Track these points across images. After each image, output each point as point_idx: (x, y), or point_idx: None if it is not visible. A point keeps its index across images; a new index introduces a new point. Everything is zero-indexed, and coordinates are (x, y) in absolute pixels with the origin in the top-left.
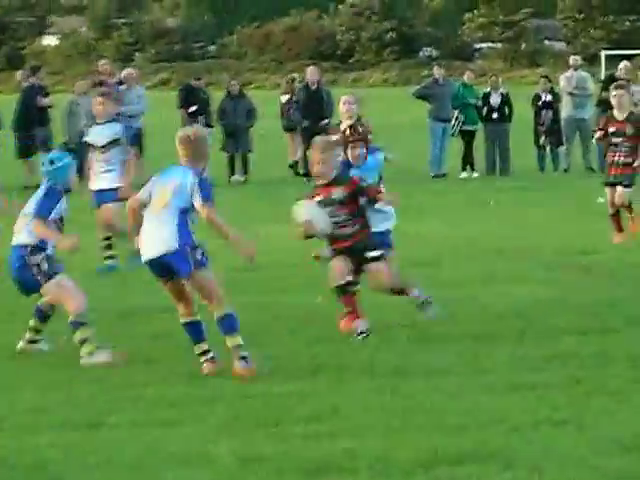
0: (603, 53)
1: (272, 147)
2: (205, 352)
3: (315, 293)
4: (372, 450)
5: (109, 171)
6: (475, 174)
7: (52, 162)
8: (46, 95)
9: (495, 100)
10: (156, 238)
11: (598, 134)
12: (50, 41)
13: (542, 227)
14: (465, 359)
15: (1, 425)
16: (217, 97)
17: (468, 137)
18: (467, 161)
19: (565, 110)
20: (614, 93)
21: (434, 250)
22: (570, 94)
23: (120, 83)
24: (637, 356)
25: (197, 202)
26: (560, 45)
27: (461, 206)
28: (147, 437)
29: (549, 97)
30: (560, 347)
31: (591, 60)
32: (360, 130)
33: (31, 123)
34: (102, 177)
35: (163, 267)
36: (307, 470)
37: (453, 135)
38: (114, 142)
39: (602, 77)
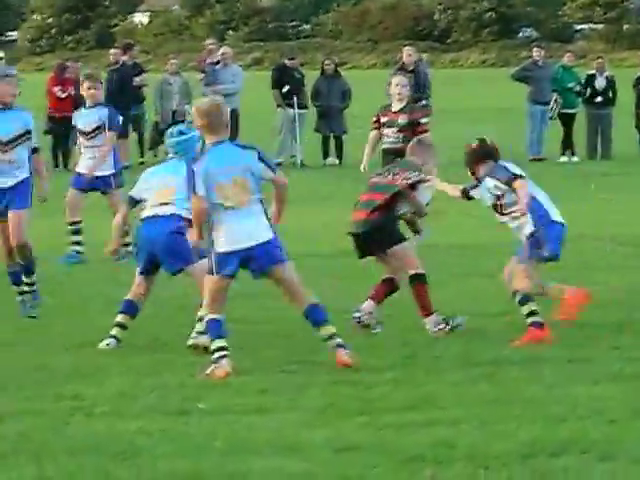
0: None
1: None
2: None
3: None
4: (468, 440)
5: (94, 158)
6: (575, 158)
7: (182, 133)
8: (140, 73)
9: (600, 83)
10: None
11: None
12: (141, 19)
13: None
14: (564, 348)
15: (91, 410)
16: (311, 77)
17: (568, 120)
18: (567, 145)
19: None
20: None
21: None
22: None
23: (216, 63)
24: None
25: (270, 175)
26: None
27: (560, 190)
28: (237, 424)
29: None
30: None
31: None
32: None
33: (126, 102)
34: (87, 162)
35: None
36: (402, 460)
37: (552, 118)
38: (99, 128)
39: None
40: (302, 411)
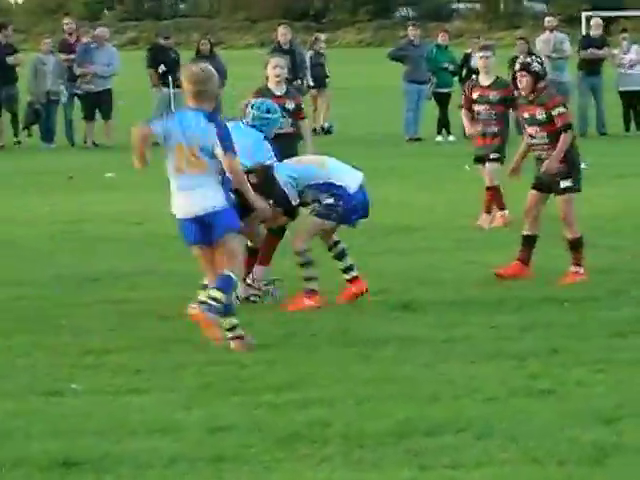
0: (583, 14)
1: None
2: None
3: (284, 256)
4: (344, 420)
5: None
6: (451, 138)
7: (269, 111)
8: (13, 53)
9: (476, 62)
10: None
11: None
12: None
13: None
14: (439, 328)
15: None
16: (187, 57)
17: (442, 100)
18: (442, 125)
19: None
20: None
21: (411, 215)
22: (548, 57)
23: (90, 42)
24: (615, 324)
25: (219, 151)
26: (540, 6)
27: (437, 170)
28: (112, 405)
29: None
30: (538, 316)
31: (571, 22)
32: None
33: None
34: None
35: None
36: (277, 440)
37: (427, 98)
38: None
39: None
40: (177, 391)
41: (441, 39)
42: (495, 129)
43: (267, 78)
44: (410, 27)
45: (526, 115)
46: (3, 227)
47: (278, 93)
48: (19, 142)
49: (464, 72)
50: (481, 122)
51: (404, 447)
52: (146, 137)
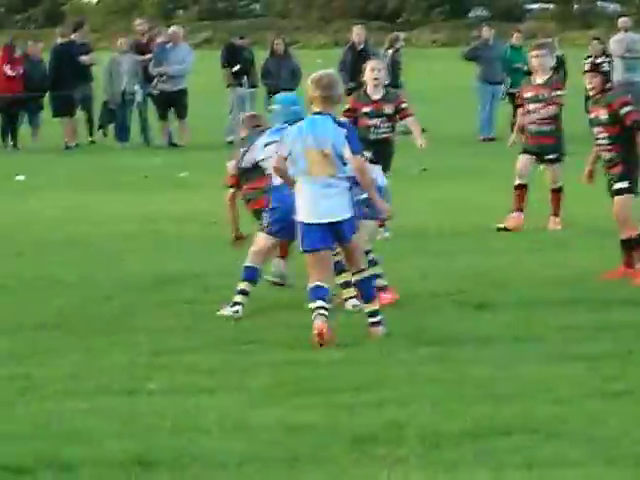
0: None
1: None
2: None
3: None
4: (419, 420)
5: None
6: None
7: (294, 103)
8: (88, 52)
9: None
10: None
11: None
12: None
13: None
14: (511, 328)
15: (41, 391)
16: (261, 56)
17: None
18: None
19: (616, 74)
20: None
21: (487, 216)
22: (622, 57)
23: (165, 42)
24: None
25: (348, 153)
26: (614, 6)
27: (512, 171)
28: (186, 404)
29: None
30: (612, 317)
31: None
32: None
33: (68, 81)
34: None
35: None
36: (354, 440)
37: (502, 98)
38: None
39: None
40: (251, 391)
41: (515, 39)
42: (548, 128)
43: (364, 83)
44: (484, 27)
45: (592, 116)
46: (78, 227)
47: (376, 97)
48: (94, 142)
49: None
50: (536, 121)
51: (479, 447)
52: (284, 164)
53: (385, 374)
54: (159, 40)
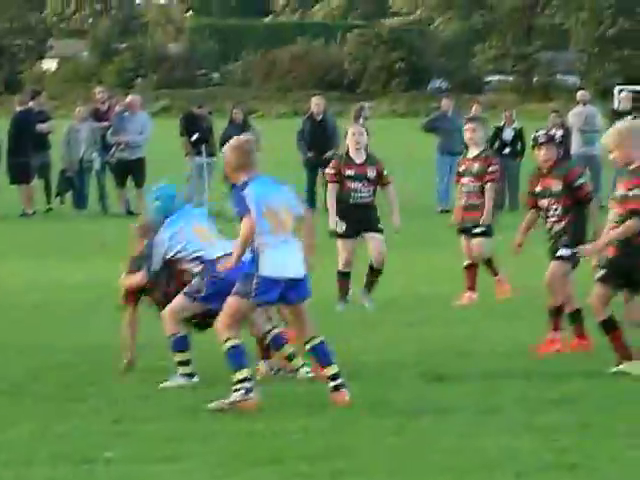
0: (616, 88)
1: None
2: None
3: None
4: None
5: None
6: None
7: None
8: (46, 120)
9: (508, 135)
10: (297, 259)
11: None
12: (49, 65)
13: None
14: (472, 398)
15: None
16: (220, 125)
17: None
18: None
19: (575, 146)
20: None
21: (445, 285)
22: (580, 130)
23: (122, 111)
24: None
25: (302, 209)
26: (573, 79)
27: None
28: (144, 473)
29: (559, 132)
30: (569, 388)
31: (604, 94)
32: None
33: (26, 149)
34: None
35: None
36: None
37: None
38: None
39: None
40: (209, 460)
41: (474, 111)
42: (478, 202)
43: (347, 147)
44: (444, 99)
45: (539, 188)
46: (38, 294)
47: (358, 161)
48: (51, 209)
49: (496, 144)
50: (465, 194)
51: None
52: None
53: (345, 444)
54: (117, 108)
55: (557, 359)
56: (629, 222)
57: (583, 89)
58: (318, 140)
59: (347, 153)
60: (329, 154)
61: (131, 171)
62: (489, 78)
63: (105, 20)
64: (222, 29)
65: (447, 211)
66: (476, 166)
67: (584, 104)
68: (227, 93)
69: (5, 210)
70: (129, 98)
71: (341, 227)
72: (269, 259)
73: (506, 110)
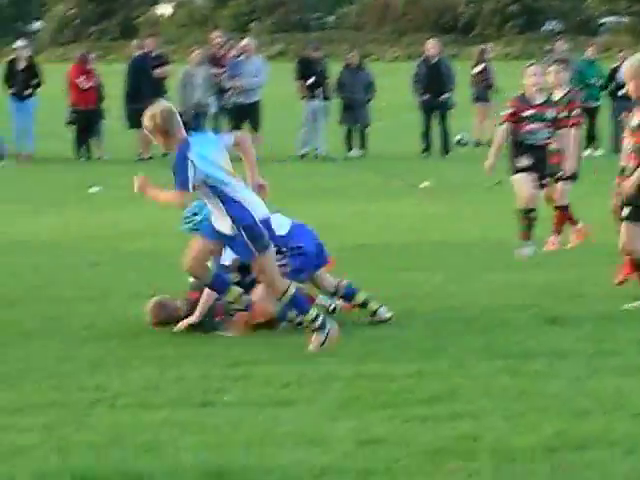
0: None
1: (391, 121)
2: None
3: (434, 271)
4: (493, 434)
5: None
6: (598, 152)
7: (196, 213)
8: (164, 64)
9: (623, 76)
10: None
11: None
12: (164, 10)
13: None
14: (587, 341)
15: (115, 402)
16: (335, 69)
17: (590, 114)
18: (590, 139)
19: None
20: None
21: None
22: None
23: (238, 54)
24: None
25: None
26: None
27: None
28: (261, 417)
29: None
30: None
31: None
32: None
33: (144, 93)
34: None
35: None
36: (425, 453)
37: None
38: None
39: None
40: (325, 404)
41: (590, 54)
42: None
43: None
44: (558, 41)
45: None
46: (148, 240)
47: (538, 102)
48: (167, 154)
49: (612, 85)
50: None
51: (554, 461)
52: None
53: (458, 387)
54: (232, 53)
55: None
56: None
57: None
58: (433, 83)
59: (524, 94)
60: (444, 96)
61: (247, 115)
62: (603, 19)
63: None
64: None
65: None
66: (554, 112)
67: None
68: (341, 36)
69: (122, 154)
70: (244, 42)
71: (523, 162)
72: (252, 203)
73: (621, 51)
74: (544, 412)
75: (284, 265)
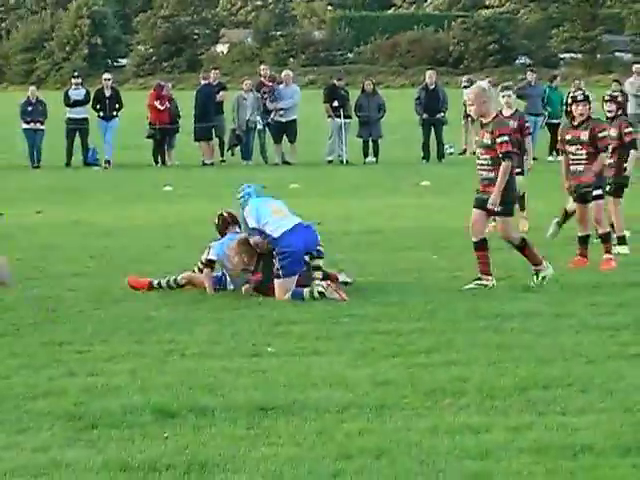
0: None
1: (400, 134)
2: None
3: (432, 250)
4: (478, 377)
5: None
6: (559, 157)
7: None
8: (220, 90)
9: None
10: None
11: None
12: (222, 49)
13: None
14: (551, 305)
15: (185, 352)
16: (354, 94)
17: (553, 128)
18: (553, 147)
19: (630, 108)
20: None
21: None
22: (634, 95)
23: (279, 83)
24: None
25: None
26: (628, 56)
27: (546, 183)
28: (298, 364)
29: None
30: (627, 295)
31: None
32: None
33: (209, 113)
34: None
35: None
36: (426, 392)
37: (541, 127)
38: None
39: None
40: (348, 354)
41: (555, 82)
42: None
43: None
44: (528, 72)
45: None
46: (210, 226)
47: (507, 114)
48: (224, 160)
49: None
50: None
51: (526, 398)
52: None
53: (452, 340)
54: (274, 81)
55: (615, 274)
56: None
57: (638, 63)
58: (431, 105)
59: (501, 111)
60: (440, 115)
61: (285, 130)
62: (562, 55)
63: (265, 13)
64: (356, 19)
65: (534, 159)
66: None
67: (638, 74)
68: (359, 69)
69: (189, 161)
70: (284, 74)
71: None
72: None
73: (575, 80)
74: (518, 360)
75: (277, 268)
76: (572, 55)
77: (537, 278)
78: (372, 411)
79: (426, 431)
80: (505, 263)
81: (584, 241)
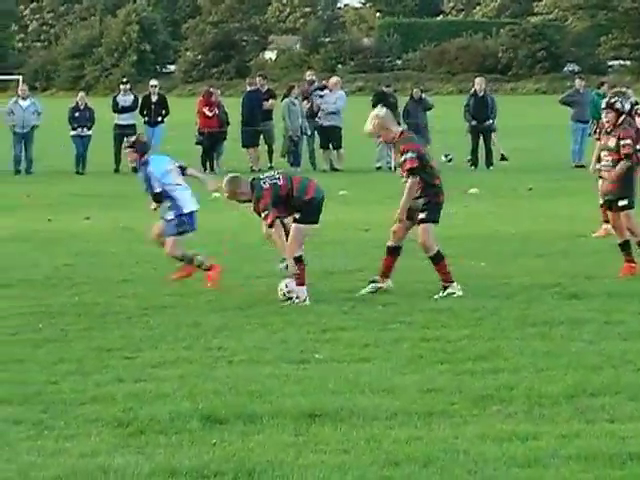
0: None
1: (447, 140)
2: None
3: (480, 257)
4: (526, 384)
5: None
6: None
7: None
8: (270, 98)
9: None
10: None
11: None
12: (270, 55)
13: None
14: (600, 313)
15: (233, 359)
16: (403, 101)
17: None
18: None
19: None
20: None
21: (578, 225)
22: None
23: (324, 88)
24: None
25: None
26: None
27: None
28: (346, 371)
29: None
30: None
31: None
32: None
33: (256, 120)
34: None
35: None
36: (474, 399)
37: (590, 135)
38: None
39: None
40: (396, 360)
41: (603, 89)
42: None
43: None
44: (577, 79)
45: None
46: (256, 233)
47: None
48: (272, 167)
49: None
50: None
51: (573, 406)
52: None
53: (500, 347)
54: (312, 85)
55: None
56: None
57: None
58: (480, 112)
59: None
60: (488, 123)
61: (332, 136)
62: (611, 62)
63: (313, 20)
64: (404, 26)
65: (581, 166)
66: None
67: None
68: (408, 76)
69: (236, 168)
70: (332, 80)
71: None
72: None
73: (624, 87)
74: (566, 367)
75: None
76: (621, 62)
77: None
78: (420, 418)
79: (474, 438)
80: (551, 269)
81: (625, 247)
